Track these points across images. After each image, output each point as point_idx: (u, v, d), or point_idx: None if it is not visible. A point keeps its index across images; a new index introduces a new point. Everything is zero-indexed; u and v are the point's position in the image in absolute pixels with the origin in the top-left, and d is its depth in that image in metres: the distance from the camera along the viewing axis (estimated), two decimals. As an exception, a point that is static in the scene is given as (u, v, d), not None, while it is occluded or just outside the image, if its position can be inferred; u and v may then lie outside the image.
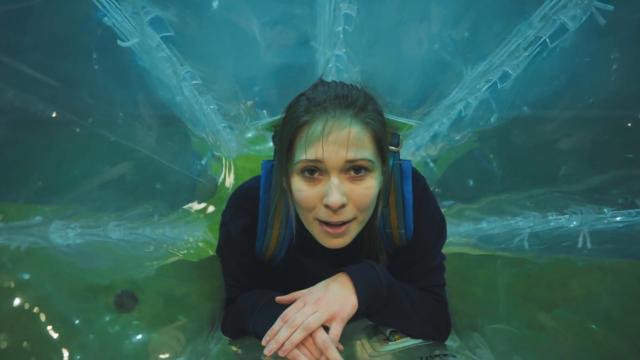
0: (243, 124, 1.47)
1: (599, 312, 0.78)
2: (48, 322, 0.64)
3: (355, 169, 0.80)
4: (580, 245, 0.90)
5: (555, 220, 1.04)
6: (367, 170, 0.81)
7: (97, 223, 0.86)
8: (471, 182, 1.48)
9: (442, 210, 1.04)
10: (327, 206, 0.79)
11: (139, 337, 0.83)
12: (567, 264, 0.93)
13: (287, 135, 0.83)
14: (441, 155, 1.70)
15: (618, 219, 0.88)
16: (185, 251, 1.27)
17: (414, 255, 0.99)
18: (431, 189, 1.03)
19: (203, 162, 1.45)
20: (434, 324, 0.94)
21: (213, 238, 1.48)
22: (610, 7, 0.77)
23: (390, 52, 1.17)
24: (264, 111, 1.35)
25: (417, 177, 0.99)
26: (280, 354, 0.76)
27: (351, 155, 0.78)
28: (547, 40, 0.93)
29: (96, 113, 0.77)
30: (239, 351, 0.98)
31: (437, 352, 0.87)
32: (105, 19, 0.77)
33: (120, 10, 0.79)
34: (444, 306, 1.00)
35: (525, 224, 1.15)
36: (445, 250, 1.03)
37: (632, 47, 0.79)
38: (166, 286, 1.02)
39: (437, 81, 1.26)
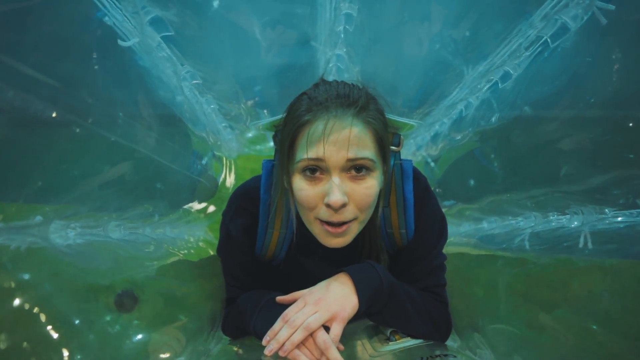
0: (243, 124, 1.46)
1: (599, 313, 0.78)
2: (48, 322, 0.64)
3: (356, 169, 0.80)
4: (581, 245, 0.89)
5: (556, 220, 1.04)
6: (368, 169, 0.81)
7: (97, 223, 0.86)
8: (472, 182, 1.48)
9: (443, 210, 1.04)
10: (328, 205, 0.79)
11: (139, 337, 0.83)
12: (568, 264, 0.93)
13: (288, 134, 0.82)
14: (442, 155, 1.70)
15: (619, 219, 0.87)
16: (186, 251, 1.27)
17: (414, 255, 0.99)
18: (432, 188, 1.03)
19: (203, 161, 1.45)
20: (434, 324, 0.94)
21: (213, 238, 1.48)
22: (611, 7, 0.76)
23: (391, 52, 1.17)
24: (265, 111, 1.35)
25: (418, 177, 0.99)
26: (281, 354, 0.76)
27: (352, 154, 0.78)
28: (549, 40, 0.92)
29: (96, 113, 0.77)
30: (240, 351, 0.98)
31: (437, 352, 0.87)
32: (106, 18, 0.76)
33: (121, 10, 0.79)
34: (444, 306, 1.00)
35: (526, 224, 1.15)
36: (446, 250, 1.03)
37: (633, 47, 0.79)
38: (166, 286, 1.02)
39: (438, 81, 1.26)
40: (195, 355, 0.92)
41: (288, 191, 0.87)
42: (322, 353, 0.76)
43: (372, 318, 0.93)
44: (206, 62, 1.11)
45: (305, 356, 0.76)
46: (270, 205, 0.96)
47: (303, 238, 0.95)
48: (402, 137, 0.92)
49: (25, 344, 0.60)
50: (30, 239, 0.67)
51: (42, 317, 0.63)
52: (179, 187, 1.27)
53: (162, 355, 0.86)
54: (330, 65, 1.20)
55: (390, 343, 0.91)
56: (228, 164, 1.73)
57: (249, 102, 1.32)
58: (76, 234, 0.78)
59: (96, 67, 0.75)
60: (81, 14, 0.74)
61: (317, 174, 0.81)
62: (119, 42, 0.80)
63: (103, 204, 0.86)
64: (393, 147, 0.90)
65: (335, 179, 0.79)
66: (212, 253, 1.36)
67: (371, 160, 0.80)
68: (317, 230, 0.86)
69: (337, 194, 0.78)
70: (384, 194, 0.93)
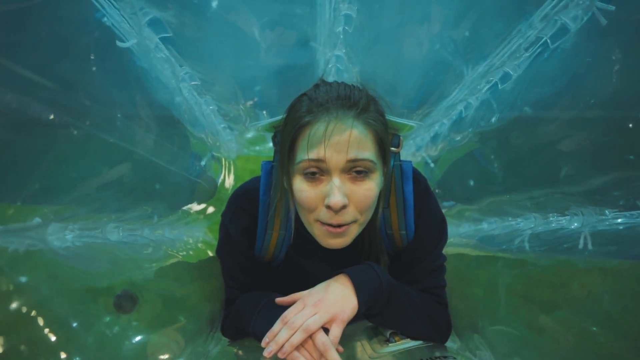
0: (243, 125, 1.46)
1: (600, 314, 0.78)
2: (46, 325, 0.64)
3: (356, 170, 0.80)
4: (581, 246, 0.89)
5: (556, 221, 1.04)
6: (369, 171, 0.81)
7: (95, 225, 0.86)
8: (472, 183, 1.48)
9: (443, 210, 1.04)
10: (328, 207, 0.79)
11: (138, 338, 0.83)
12: (568, 266, 0.93)
13: (288, 135, 0.82)
14: (441, 155, 1.70)
15: (619, 220, 0.87)
16: (185, 252, 1.26)
17: (414, 256, 0.99)
18: (431, 189, 1.03)
19: (202, 163, 1.45)
20: (434, 325, 0.94)
21: (213, 239, 1.48)
22: (611, 8, 0.76)
23: (391, 53, 1.16)
24: (264, 112, 1.35)
25: (418, 177, 0.99)
26: (280, 355, 0.76)
27: (353, 155, 0.78)
28: (548, 40, 0.92)
29: (94, 114, 0.76)
30: (239, 352, 0.98)
31: (437, 354, 0.87)
32: (105, 19, 0.76)
33: (119, 11, 0.78)
34: (444, 307, 1.00)
35: (526, 225, 1.15)
36: (446, 251, 1.03)
37: (633, 47, 0.79)
38: (165, 287, 1.02)
39: (437, 82, 1.26)
40: (195, 357, 0.92)
41: (287, 192, 0.87)
42: (321, 355, 0.76)
43: (371, 319, 0.92)
44: (205, 63, 1.10)
45: (305, 358, 0.76)
46: (270, 206, 0.96)
47: (302, 239, 0.95)
48: (401, 138, 0.92)
49: (23, 346, 0.60)
50: (28, 241, 0.67)
51: (40, 320, 0.63)
52: (178, 188, 1.26)
53: (161, 357, 0.86)
54: (330, 66, 1.20)
55: (389, 344, 0.91)
56: (227, 165, 1.72)
57: (248, 103, 1.32)
58: (74, 236, 0.78)
59: (94, 68, 0.75)
60: (79, 15, 0.73)
61: (317, 175, 0.80)
62: (118, 43, 0.79)
63: (101, 205, 0.86)
64: (393, 148, 0.90)
65: (336, 180, 0.79)
66: (211, 254, 1.36)
67: (371, 161, 0.80)
68: (316, 232, 0.86)
69: (338, 195, 0.78)
70: (384, 195, 0.92)
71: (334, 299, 0.80)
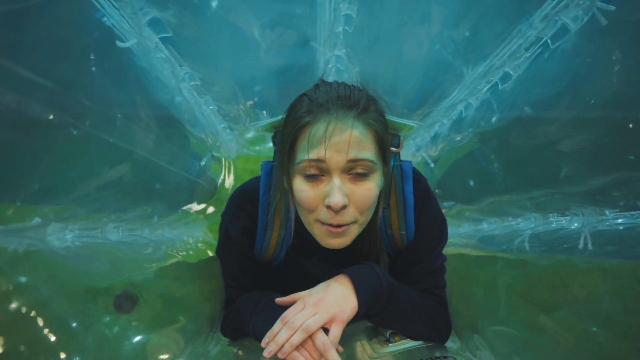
0: (243, 125, 1.46)
1: (600, 314, 0.78)
2: (45, 325, 0.64)
3: (356, 170, 0.80)
4: (581, 246, 0.89)
5: (557, 221, 1.03)
6: (369, 171, 0.81)
7: (95, 225, 0.86)
8: (472, 183, 1.47)
9: (443, 211, 1.04)
10: (328, 207, 0.79)
11: (138, 338, 0.83)
12: (568, 266, 0.93)
13: (288, 135, 0.82)
14: (441, 156, 1.70)
15: (619, 220, 0.87)
16: (185, 252, 1.26)
17: (414, 257, 0.99)
18: (432, 189, 1.03)
19: (202, 163, 1.45)
20: (434, 325, 0.94)
21: (213, 239, 1.48)
22: (612, 8, 0.76)
23: (391, 53, 1.16)
24: (264, 112, 1.35)
25: (418, 178, 0.99)
26: (280, 355, 0.76)
27: (353, 156, 0.78)
28: (549, 41, 0.92)
29: (94, 114, 0.76)
30: (239, 352, 0.98)
31: (437, 354, 0.87)
32: (105, 19, 0.76)
33: (119, 10, 0.78)
34: (444, 308, 1.00)
35: (526, 225, 1.15)
36: (446, 251, 1.03)
37: (634, 47, 0.78)
38: (165, 288, 1.02)
39: (437, 82, 1.25)
40: (194, 357, 0.92)
41: (287, 192, 0.87)
42: (321, 355, 0.76)
43: (371, 320, 0.92)
44: (205, 63, 1.10)
45: (304, 358, 0.76)
46: (270, 207, 0.96)
47: (302, 239, 0.95)
48: (401, 138, 0.92)
49: (22, 347, 0.60)
50: (27, 242, 0.67)
51: (40, 320, 0.63)
52: (178, 188, 1.26)
53: (161, 357, 0.86)
54: (330, 66, 1.20)
55: (389, 345, 0.91)
56: (227, 165, 1.72)
57: (248, 103, 1.32)
58: (74, 236, 0.78)
59: (94, 68, 0.75)
60: (79, 15, 0.73)
61: (318, 176, 0.80)
62: (118, 43, 0.79)
63: (101, 205, 0.86)
64: (393, 149, 0.90)
65: (336, 180, 0.79)
66: (211, 254, 1.36)
67: (371, 161, 0.80)
68: (317, 232, 0.86)
69: (338, 195, 0.78)
70: (384, 195, 0.92)
71: (333, 299, 0.80)
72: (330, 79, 0.90)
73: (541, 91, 1.02)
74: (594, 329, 0.78)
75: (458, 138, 1.49)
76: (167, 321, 0.95)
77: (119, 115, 0.85)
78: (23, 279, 0.64)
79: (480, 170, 1.39)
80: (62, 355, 0.64)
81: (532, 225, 1.11)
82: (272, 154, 0.98)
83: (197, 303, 1.10)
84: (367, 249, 0.98)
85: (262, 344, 0.78)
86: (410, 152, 1.89)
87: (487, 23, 1.01)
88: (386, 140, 0.84)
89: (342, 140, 0.77)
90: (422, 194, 0.98)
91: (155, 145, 1.00)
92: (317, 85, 0.87)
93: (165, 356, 0.86)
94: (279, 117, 0.89)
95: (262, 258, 1.02)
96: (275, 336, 0.77)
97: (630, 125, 0.81)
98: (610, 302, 0.78)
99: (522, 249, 1.07)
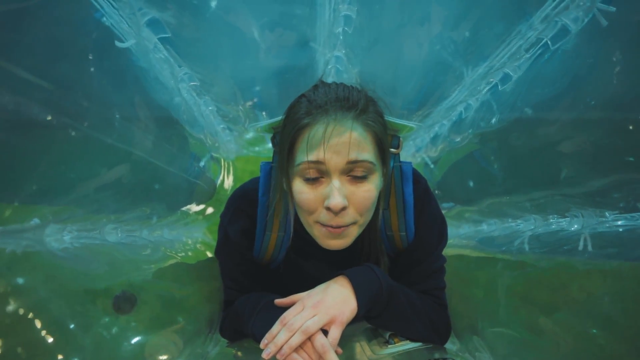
0: (242, 126, 1.46)
1: (599, 315, 0.78)
2: (44, 327, 0.63)
3: (356, 172, 0.79)
4: (581, 248, 0.89)
5: (556, 223, 1.03)
6: (368, 172, 0.80)
7: (93, 226, 0.86)
8: (471, 184, 1.47)
9: (442, 212, 1.04)
10: (328, 208, 0.79)
11: (137, 340, 0.82)
12: (568, 267, 0.93)
13: (287, 137, 0.82)
14: (441, 157, 1.70)
15: (619, 222, 0.87)
16: (184, 253, 1.26)
17: (414, 258, 0.98)
18: (431, 190, 1.02)
19: (201, 164, 1.44)
20: (433, 327, 0.94)
21: (212, 240, 1.48)
22: (612, 9, 0.76)
23: (390, 54, 1.16)
24: (263, 113, 1.34)
25: (418, 179, 0.99)
26: (279, 357, 0.76)
27: (352, 157, 0.78)
28: (549, 42, 0.92)
29: (93, 115, 0.76)
30: (238, 354, 0.98)
31: (436, 356, 0.87)
32: (104, 19, 0.76)
33: (118, 11, 0.78)
34: (444, 309, 1.00)
35: (525, 227, 1.15)
36: (445, 252, 1.03)
37: (634, 49, 0.78)
38: (164, 289, 1.02)
39: (437, 83, 1.25)
40: (193, 358, 0.92)
41: (286, 193, 0.86)
42: (320, 356, 0.75)
43: (371, 321, 0.92)
44: (204, 63, 1.10)
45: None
46: (269, 208, 0.96)
47: (302, 240, 0.95)
48: (401, 139, 0.92)
49: (20, 348, 0.60)
50: (25, 243, 0.67)
51: (38, 322, 0.63)
52: (177, 189, 1.26)
53: (160, 358, 0.85)
54: (329, 66, 1.20)
55: (389, 346, 0.91)
56: (226, 165, 1.72)
57: (248, 104, 1.31)
58: (72, 237, 0.77)
59: (92, 69, 0.75)
60: (77, 15, 0.73)
61: (317, 177, 0.80)
62: (116, 43, 0.79)
63: (100, 206, 0.86)
64: (392, 150, 0.90)
65: (335, 182, 0.79)
66: (210, 255, 1.36)
67: (371, 162, 0.80)
68: (316, 233, 0.85)
69: (337, 197, 0.77)
70: (384, 196, 0.92)
71: (333, 301, 0.80)
72: (330, 80, 0.89)
73: (541, 92, 1.02)
74: (594, 330, 0.77)
75: (458, 139, 1.49)
76: (166, 322, 0.95)
77: (117, 116, 0.85)
78: (21, 281, 0.64)
79: (480, 171, 1.38)
80: (60, 357, 0.64)
81: (532, 227, 1.11)
82: (271, 155, 0.98)
83: (196, 304, 1.10)
84: (366, 250, 0.98)
85: (261, 345, 0.78)
86: (410, 153, 1.89)
87: (487, 24, 1.01)
88: (385, 141, 0.84)
89: (341, 141, 0.77)
90: (422, 195, 0.98)
91: (154, 146, 1.00)
92: (316, 86, 0.86)
93: (164, 357, 0.86)
94: (278, 118, 0.89)
95: (261, 259, 1.02)
96: (274, 337, 0.77)
97: (631, 127, 0.81)
98: (610, 304, 0.78)
99: (522, 251, 1.07)
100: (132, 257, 0.96)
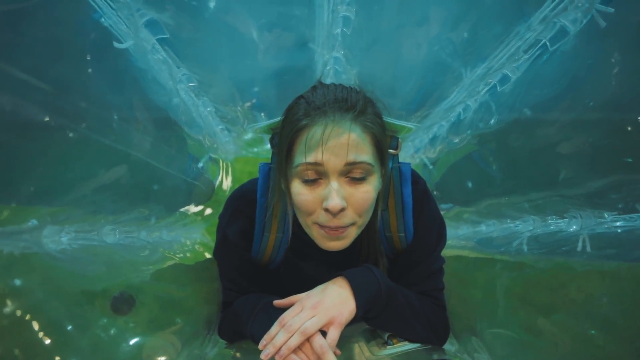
0: (240, 127, 1.46)
1: (598, 316, 0.78)
2: (41, 328, 0.63)
3: (354, 173, 0.79)
4: (579, 249, 0.89)
5: (555, 224, 1.03)
6: (367, 173, 0.80)
7: (91, 227, 0.85)
8: (470, 185, 1.47)
9: (441, 213, 1.04)
10: (326, 210, 0.79)
11: (135, 341, 0.82)
12: (567, 268, 0.93)
13: (286, 138, 0.82)
14: (440, 158, 1.70)
15: (618, 223, 0.87)
16: (182, 254, 1.26)
17: (413, 259, 0.98)
18: (430, 191, 1.02)
19: (200, 164, 1.44)
20: (432, 328, 0.94)
21: (210, 241, 1.48)
22: (611, 10, 0.76)
23: (389, 55, 1.16)
24: (262, 114, 1.34)
25: (416, 180, 0.99)
26: (277, 358, 0.75)
27: (351, 158, 0.77)
28: (548, 43, 0.92)
29: (91, 116, 0.76)
30: (236, 355, 0.98)
31: (435, 357, 0.87)
32: (102, 20, 0.76)
33: (116, 12, 0.78)
34: (442, 310, 1.00)
35: (524, 228, 1.15)
36: (444, 253, 1.03)
37: (633, 49, 0.78)
38: (162, 290, 1.02)
39: (436, 84, 1.25)
40: (191, 359, 0.92)
41: (285, 194, 0.86)
42: (318, 358, 0.75)
43: (369, 322, 0.92)
44: (202, 64, 1.10)
45: (302, 361, 0.76)
46: (267, 209, 0.96)
47: (300, 241, 0.95)
48: (400, 140, 0.92)
49: (17, 350, 0.60)
50: (23, 244, 0.66)
51: (35, 323, 0.63)
52: (175, 190, 1.26)
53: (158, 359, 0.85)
54: (328, 67, 1.19)
55: (387, 347, 0.91)
56: (225, 166, 1.72)
57: (246, 105, 1.31)
58: (70, 238, 0.77)
59: (90, 70, 0.75)
60: (76, 16, 0.73)
61: (316, 178, 0.80)
62: (115, 44, 0.79)
63: (98, 207, 0.85)
64: (391, 151, 0.90)
65: (334, 183, 0.78)
66: (208, 256, 1.36)
67: (369, 164, 0.79)
68: (315, 234, 0.85)
69: (336, 198, 0.77)
70: (383, 197, 0.92)
71: (331, 302, 0.80)
72: (329, 81, 0.89)
73: (540, 93, 1.02)
74: (592, 331, 0.78)
75: (456, 140, 1.49)
76: (164, 323, 0.95)
77: (115, 117, 0.84)
78: (19, 282, 0.64)
79: (478, 172, 1.38)
80: (58, 358, 0.63)
81: (531, 228, 1.11)
82: (270, 156, 0.97)
83: (194, 305, 1.10)
84: (365, 251, 0.98)
85: (260, 347, 0.78)
86: (409, 154, 1.89)
87: (485, 25, 1.01)
88: (384, 142, 0.84)
89: (339, 143, 0.77)
90: (420, 196, 0.98)
91: (152, 147, 1.00)
92: (314, 88, 0.86)
93: (162, 359, 0.86)
94: (277, 119, 0.89)
95: (259, 260, 1.02)
96: (272, 339, 0.77)
97: (629, 128, 0.81)
98: (608, 305, 0.78)
99: (521, 252, 1.07)
100: (130, 258, 0.96)
